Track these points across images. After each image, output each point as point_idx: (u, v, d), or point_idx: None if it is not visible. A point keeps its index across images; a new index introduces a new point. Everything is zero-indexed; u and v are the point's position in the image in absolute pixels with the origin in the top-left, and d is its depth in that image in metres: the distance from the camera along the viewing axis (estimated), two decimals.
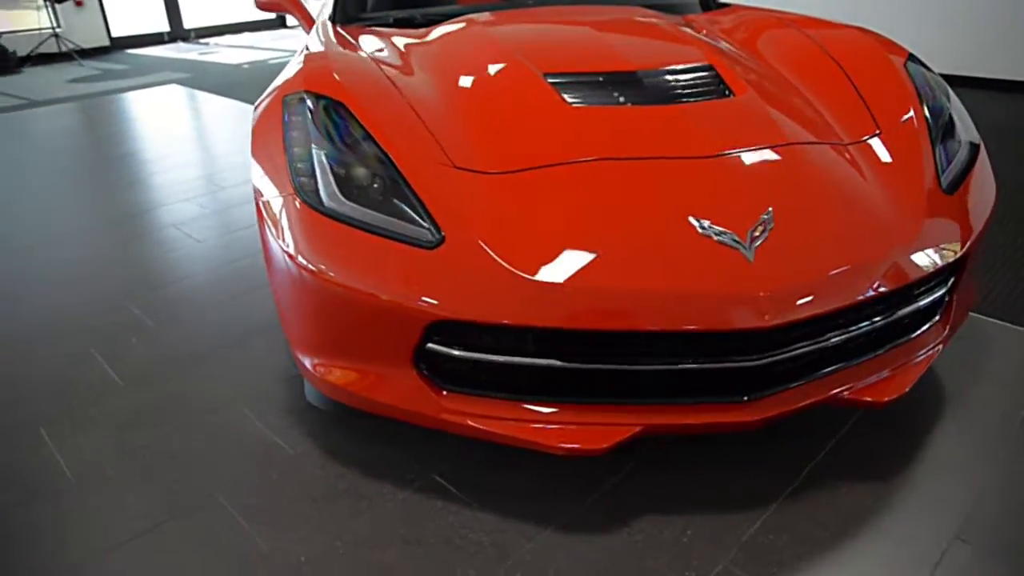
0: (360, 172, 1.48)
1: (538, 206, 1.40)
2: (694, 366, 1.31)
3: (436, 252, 1.35)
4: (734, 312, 1.24)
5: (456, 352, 1.36)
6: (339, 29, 2.25)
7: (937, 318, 1.56)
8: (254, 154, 1.65)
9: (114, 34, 8.50)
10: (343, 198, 1.44)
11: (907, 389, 1.42)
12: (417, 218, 1.40)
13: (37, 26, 7.83)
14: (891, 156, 1.56)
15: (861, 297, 1.31)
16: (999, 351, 1.85)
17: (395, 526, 1.43)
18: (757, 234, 1.31)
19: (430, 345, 1.37)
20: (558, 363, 1.33)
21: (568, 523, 1.41)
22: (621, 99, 1.64)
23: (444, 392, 1.40)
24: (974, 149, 1.67)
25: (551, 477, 1.53)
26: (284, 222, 1.46)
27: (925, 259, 1.39)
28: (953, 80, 4.90)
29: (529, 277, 1.28)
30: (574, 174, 1.45)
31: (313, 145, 1.53)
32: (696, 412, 1.33)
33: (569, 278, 1.27)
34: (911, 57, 1.85)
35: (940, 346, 1.52)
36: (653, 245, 1.31)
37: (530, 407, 1.36)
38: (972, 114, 1.86)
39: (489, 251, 1.32)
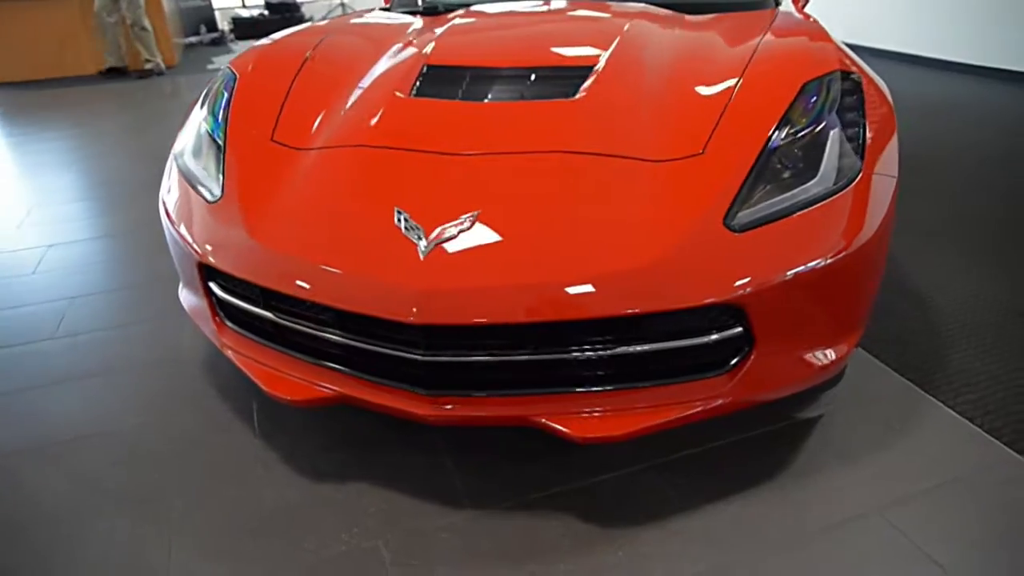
0: (205, 139, 1.74)
1: (295, 179, 1.53)
2: (370, 347, 1.36)
3: (212, 206, 1.55)
4: (390, 301, 1.26)
5: (219, 292, 1.56)
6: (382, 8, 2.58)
7: (714, 373, 1.37)
8: None
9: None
10: (191, 157, 1.73)
11: (620, 433, 1.30)
12: (211, 178, 1.62)
13: None
14: (687, 181, 1.39)
15: (540, 319, 1.24)
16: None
17: None
18: (444, 233, 1.30)
19: (210, 283, 1.58)
20: (273, 318, 1.46)
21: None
22: (460, 93, 1.70)
23: (224, 324, 1.61)
24: (830, 193, 1.39)
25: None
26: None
27: (655, 297, 1.24)
28: None
29: (254, 239, 1.42)
30: (345, 157, 1.55)
31: (203, 113, 1.83)
32: (382, 393, 1.39)
33: (278, 245, 1.40)
34: (841, 76, 1.59)
35: (715, 401, 1.35)
36: (354, 228, 1.38)
37: (269, 352, 1.52)
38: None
39: (239, 212, 1.48)
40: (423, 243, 1.29)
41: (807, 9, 2.57)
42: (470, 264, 1.26)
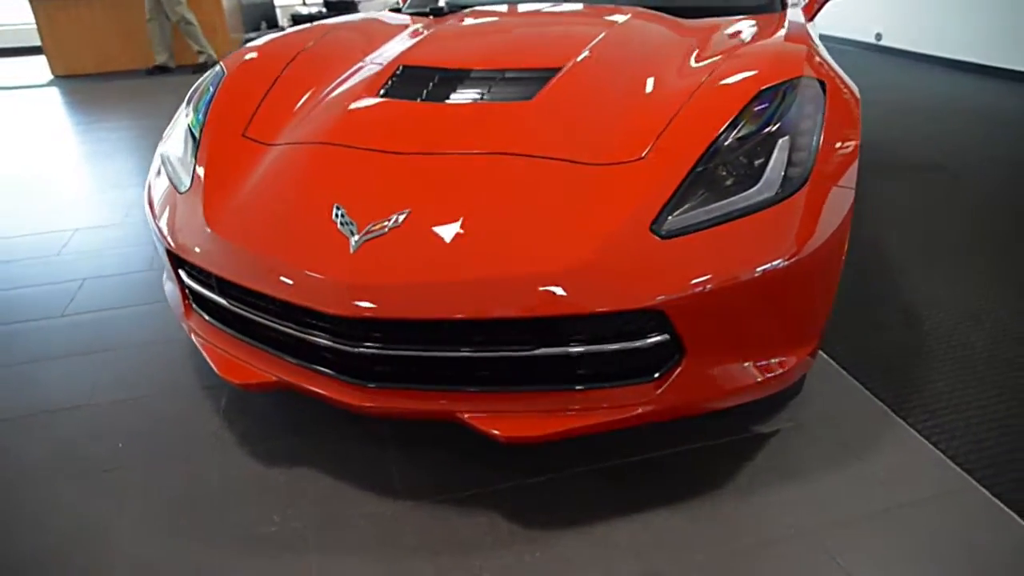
0: (185, 133, 1.82)
1: (256, 173, 1.59)
2: (306, 336, 1.39)
3: (181, 197, 1.63)
4: (320, 293, 1.30)
5: (185, 279, 1.65)
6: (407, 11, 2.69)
7: (643, 379, 1.35)
8: None
9: None
10: (172, 150, 1.81)
11: (541, 434, 1.31)
12: (185, 170, 1.70)
13: None
14: (621, 186, 1.37)
15: (458, 317, 1.25)
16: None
17: None
18: (375, 228, 1.33)
19: (179, 270, 1.65)
20: (226, 304, 1.53)
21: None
22: (425, 94, 1.73)
23: (192, 310, 1.69)
24: (772, 202, 1.34)
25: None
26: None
27: (573, 301, 1.24)
28: None
29: (210, 229, 1.49)
30: (303, 153, 1.61)
31: (188, 108, 1.91)
32: (318, 381, 1.43)
33: (229, 235, 1.46)
34: (804, 83, 1.53)
35: (641, 408, 1.34)
36: (297, 221, 1.42)
37: (225, 336, 1.60)
38: None
39: (201, 203, 1.55)
40: (355, 238, 1.33)
41: (823, 13, 2.50)
42: (395, 260, 1.29)
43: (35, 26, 6.49)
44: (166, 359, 1.98)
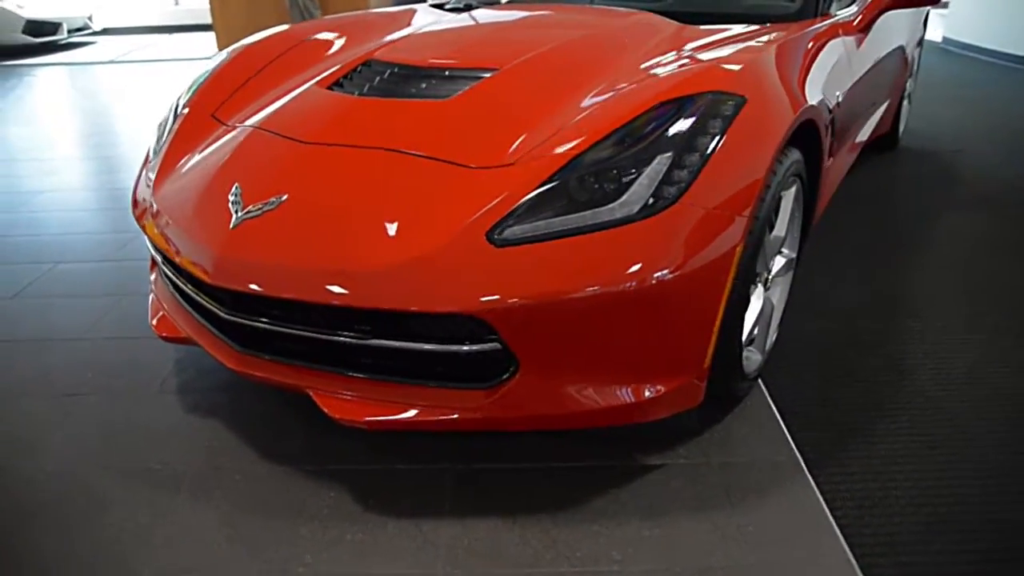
0: (172, 110, 2.02)
1: (198, 149, 1.76)
2: (202, 301, 1.55)
3: (149, 165, 1.84)
4: (200, 260, 1.44)
5: (151, 250, 1.81)
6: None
7: (475, 385, 1.37)
8: None
9: None
10: (161, 126, 2.01)
11: (368, 420, 1.37)
12: (160, 141, 1.89)
13: None
14: (478, 190, 1.38)
15: (301, 299, 1.33)
16: None
17: None
18: (254, 209, 1.44)
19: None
20: (161, 263, 1.72)
21: None
22: (367, 88, 1.80)
23: (154, 265, 1.88)
24: (626, 220, 1.29)
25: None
26: None
27: (397, 297, 1.28)
28: None
29: (154, 196, 1.69)
30: (238, 134, 1.75)
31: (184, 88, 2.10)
32: (211, 340, 1.58)
33: (162, 203, 1.64)
34: (714, 98, 1.44)
35: (470, 414, 1.35)
36: (205, 195, 1.57)
37: (165, 293, 1.79)
38: None
39: (156, 172, 1.76)
40: (236, 216, 1.45)
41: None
42: (259, 240, 1.40)
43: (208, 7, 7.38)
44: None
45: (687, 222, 1.31)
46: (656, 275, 1.27)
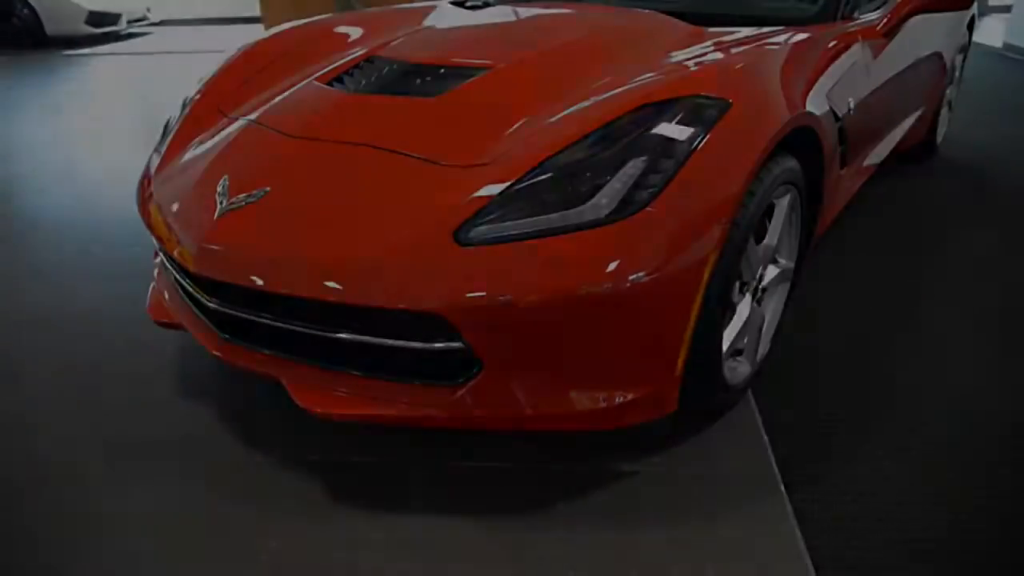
0: (183, 103, 2.07)
1: (199, 140, 1.80)
2: (189, 288, 1.59)
3: (155, 154, 1.90)
4: (185, 248, 1.48)
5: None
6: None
7: (440, 383, 1.37)
8: None
9: None
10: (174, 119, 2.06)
11: (336, 413, 1.39)
12: (168, 131, 1.94)
13: None
14: (451, 188, 1.38)
15: (271, 290, 1.35)
16: None
17: None
18: (237, 201, 1.48)
19: None
20: (158, 249, 1.75)
21: None
22: (363, 84, 1.84)
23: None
24: (593, 224, 1.27)
25: None
26: None
27: (359, 291, 1.29)
28: None
29: (153, 183, 1.76)
30: (235, 127, 1.79)
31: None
32: (199, 327, 1.62)
33: (159, 193, 1.69)
34: (697, 102, 1.42)
35: (435, 411, 1.36)
36: (196, 185, 1.61)
37: (163, 279, 1.85)
38: None
39: (159, 162, 1.82)
40: (220, 207, 1.49)
41: None
42: (238, 231, 1.44)
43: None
44: None
45: (658, 227, 1.29)
46: (624, 280, 1.25)
